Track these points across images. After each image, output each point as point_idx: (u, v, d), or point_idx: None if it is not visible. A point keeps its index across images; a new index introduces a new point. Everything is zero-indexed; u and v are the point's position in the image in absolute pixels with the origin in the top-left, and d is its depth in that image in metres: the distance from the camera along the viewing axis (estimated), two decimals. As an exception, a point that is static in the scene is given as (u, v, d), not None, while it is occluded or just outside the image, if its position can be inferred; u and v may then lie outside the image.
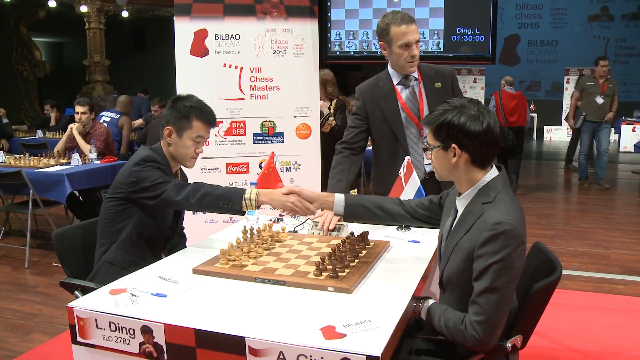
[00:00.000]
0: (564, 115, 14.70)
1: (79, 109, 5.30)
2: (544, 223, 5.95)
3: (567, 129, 14.41)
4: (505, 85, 7.57)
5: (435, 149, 1.76)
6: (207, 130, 2.38)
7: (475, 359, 1.75)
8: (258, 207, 2.19)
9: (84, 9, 12.43)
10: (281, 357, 1.44)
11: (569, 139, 14.51)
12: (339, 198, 2.11)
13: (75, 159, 5.03)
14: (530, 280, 1.85)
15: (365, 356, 1.38)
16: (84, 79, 13.32)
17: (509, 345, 1.72)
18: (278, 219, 2.71)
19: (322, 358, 1.40)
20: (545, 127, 14.82)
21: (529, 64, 16.60)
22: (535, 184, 8.52)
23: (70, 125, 5.45)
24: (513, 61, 16.66)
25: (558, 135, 14.64)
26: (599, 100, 7.58)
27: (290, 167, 4.02)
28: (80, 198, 5.28)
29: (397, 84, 2.66)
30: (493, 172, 1.76)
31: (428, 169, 2.60)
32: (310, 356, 1.41)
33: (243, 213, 2.23)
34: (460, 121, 1.67)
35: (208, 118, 2.36)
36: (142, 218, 2.33)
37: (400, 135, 2.63)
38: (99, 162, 5.13)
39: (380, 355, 1.38)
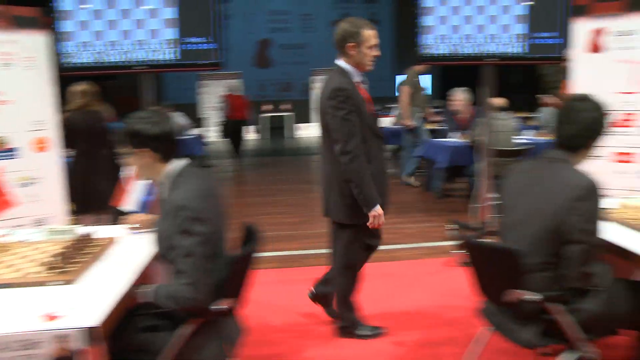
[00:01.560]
0: (313, 113, 16.22)
1: None
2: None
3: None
4: (232, 90, 11.05)
5: (131, 154, 2.16)
6: None
7: (195, 321, 2.10)
8: None
9: None
10: (5, 347, 1.63)
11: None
12: None
13: None
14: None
15: (85, 329, 1.65)
16: None
17: (219, 307, 2.11)
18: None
19: (44, 339, 1.63)
20: (299, 125, 16.21)
21: (283, 66, 17.75)
22: (293, 177, 9.59)
23: None
24: (267, 64, 17.72)
25: (308, 132, 16.04)
26: (424, 95, 7.92)
27: (29, 183, 3.94)
28: None
29: (358, 82, 3.06)
30: (180, 163, 2.18)
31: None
32: (32, 339, 1.63)
33: None
34: (142, 128, 2.10)
35: None
36: None
37: (371, 123, 3.06)
38: None
39: (98, 325, 1.67)
